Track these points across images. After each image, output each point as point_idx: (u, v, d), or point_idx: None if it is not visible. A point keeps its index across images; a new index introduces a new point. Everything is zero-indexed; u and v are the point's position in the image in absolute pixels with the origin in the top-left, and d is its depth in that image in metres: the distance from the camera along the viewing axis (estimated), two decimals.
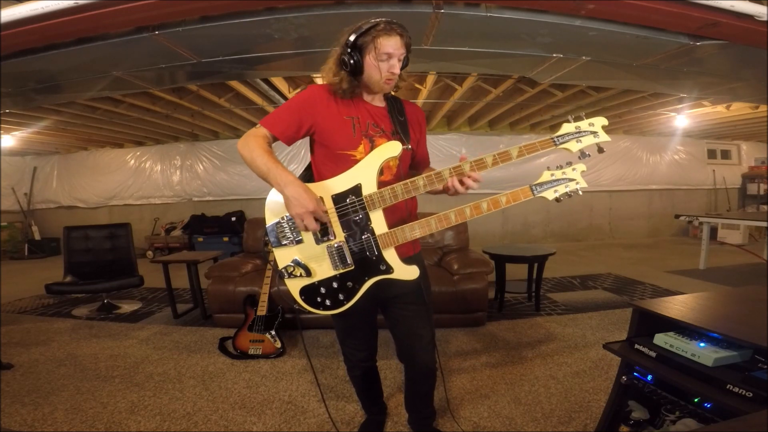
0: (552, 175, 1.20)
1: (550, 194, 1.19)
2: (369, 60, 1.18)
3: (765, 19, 1.98)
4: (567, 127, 1.18)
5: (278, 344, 2.56)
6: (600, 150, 1.18)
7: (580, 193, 1.20)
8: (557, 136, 1.17)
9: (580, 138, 1.17)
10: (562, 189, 1.19)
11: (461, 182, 1.20)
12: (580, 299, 3.62)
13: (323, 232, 1.21)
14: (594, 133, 1.17)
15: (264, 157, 1.14)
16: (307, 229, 1.16)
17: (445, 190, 1.24)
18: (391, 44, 1.16)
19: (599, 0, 1.93)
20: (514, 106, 5.07)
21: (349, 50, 1.17)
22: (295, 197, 1.11)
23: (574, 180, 1.19)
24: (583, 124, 1.17)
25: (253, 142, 1.16)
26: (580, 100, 4.62)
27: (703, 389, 1.01)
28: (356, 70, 1.18)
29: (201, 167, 6.87)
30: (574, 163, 1.19)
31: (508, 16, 2.13)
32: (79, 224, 3.90)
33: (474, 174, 1.19)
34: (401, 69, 1.25)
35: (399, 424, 1.79)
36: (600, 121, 1.17)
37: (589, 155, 1.17)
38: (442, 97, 4.90)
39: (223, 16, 2.10)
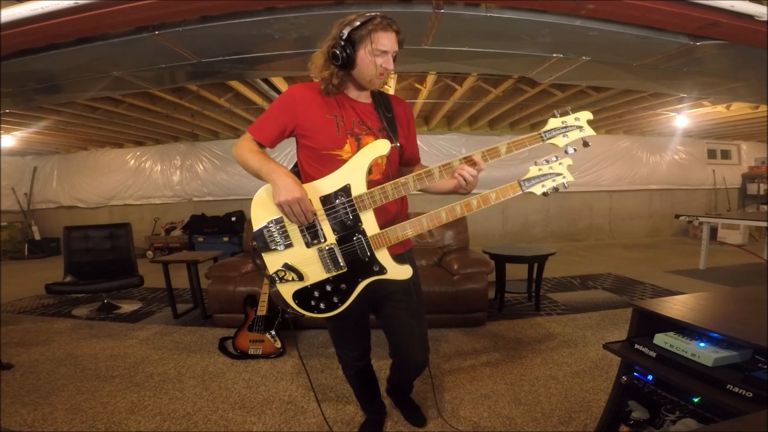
0: (539, 170, 1.20)
1: (538, 189, 1.20)
2: (363, 54, 1.16)
3: (765, 19, 1.98)
4: (553, 122, 1.17)
5: (278, 344, 2.56)
6: (585, 144, 1.17)
7: (567, 187, 1.20)
8: (544, 132, 1.17)
9: (567, 133, 1.16)
10: (549, 184, 1.19)
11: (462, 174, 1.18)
12: (580, 299, 3.62)
13: (312, 235, 1.19)
14: (580, 127, 1.16)
15: (254, 156, 1.19)
16: (295, 220, 1.15)
17: (457, 188, 1.23)
18: (388, 40, 1.16)
19: (599, 0, 1.93)
20: (514, 106, 5.07)
21: (342, 43, 1.14)
22: (284, 185, 1.12)
23: (561, 174, 1.19)
24: (569, 119, 1.16)
25: (242, 145, 1.23)
26: (580, 100, 4.61)
27: (703, 389, 1.01)
28: (348, 64, 1.16)
29: (201, 167, 6.87)
30: (561, 157, 1.19)
31: (508, 16, 2.13)
32: (79, 224, 3.91)
33: (478, 161, 1.18)
34: None
35: (399, 424, 1.79)
36: (585, 116, 1.17)
37: (576, 150, 1.16)
38: (442, 97, 4.90)
39: (223, 16, 2.09)
